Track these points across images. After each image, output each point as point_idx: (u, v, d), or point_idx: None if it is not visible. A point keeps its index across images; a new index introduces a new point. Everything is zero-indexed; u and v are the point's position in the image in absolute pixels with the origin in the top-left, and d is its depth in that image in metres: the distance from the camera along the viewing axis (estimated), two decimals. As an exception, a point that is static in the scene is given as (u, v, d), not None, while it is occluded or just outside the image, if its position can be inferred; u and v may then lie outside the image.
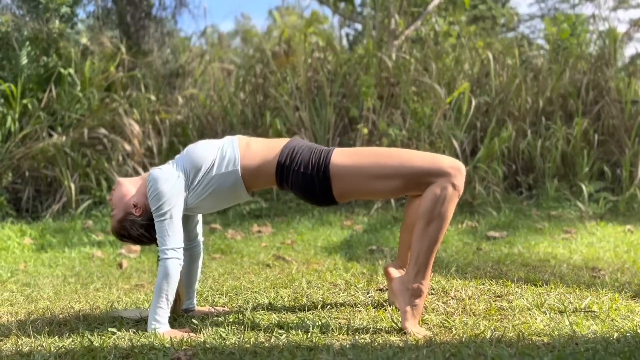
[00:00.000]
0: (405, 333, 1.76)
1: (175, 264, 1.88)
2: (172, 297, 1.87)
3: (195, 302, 2.18)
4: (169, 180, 1.91)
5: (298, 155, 1.90)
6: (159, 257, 1.91)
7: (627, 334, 1.63)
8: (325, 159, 1.86)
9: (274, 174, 1.92)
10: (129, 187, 2.04)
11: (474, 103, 5.71)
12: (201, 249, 2.18)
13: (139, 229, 2.00)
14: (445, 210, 1.77)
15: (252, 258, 3.46)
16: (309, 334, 1.77)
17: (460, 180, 1.78)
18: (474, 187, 5.32)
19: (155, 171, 1.94)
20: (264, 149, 1.95)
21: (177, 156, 2.05)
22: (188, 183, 1.94)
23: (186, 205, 1.96)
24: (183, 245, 1.92)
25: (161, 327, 1.83)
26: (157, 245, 1.97)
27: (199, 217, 2.17)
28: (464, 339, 1.65)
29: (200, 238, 2.19)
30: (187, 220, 2.10)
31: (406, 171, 1.80)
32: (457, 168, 1.79)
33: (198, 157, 1.94)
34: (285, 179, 1.91)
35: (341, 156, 1.87)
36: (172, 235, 1.89)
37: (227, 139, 2.01)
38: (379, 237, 4.01)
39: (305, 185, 1.88)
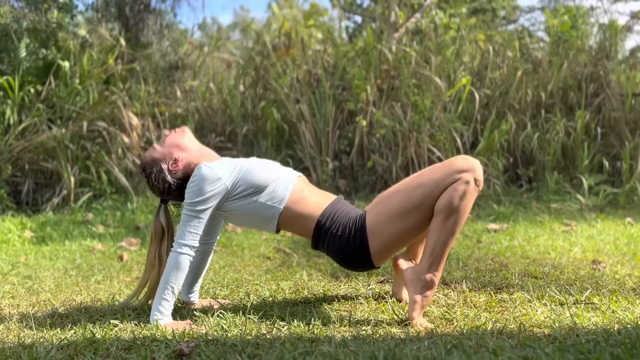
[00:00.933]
0: (408, 324, 1.76)
1: (187, 259, 1.89)
2: (177, 290, 1.88)
3: (197, 295, 2.18)
4: (214, 184, 1.89)
5: (338, 219, 1.91)
6: (172, 247, 1.91)
7: (628, 326, 1.63)
8: (362, 220, 1.88)
9: (312, 232, 1.94)
10: (188, 142, 2.03)
11: (477, 98, 5.70)
12: (214, 246, 2.19)
13: (160, 180, 2.00)
14: (465, 204, 1.77)
15: (252, 251, 3.47)
16: (311, 325, 1.77)
17: (478, 175, 1.78)
18: (474, 180, 5.32)
19: (205, 169, 1.90)
20: (311, 203, 1.95)
21: (237, 160, 2.01)
22: (231, 192, 1.93)
23: (216, 209, 1.96)
24: (198, 245, 1.92)
25: (163, 319, 1.83)
26: (162, 202, 2.03)
27: None
28: (465, 331, 1.65)
29: (217, 236, 2.19)
30: (215, 219, 2.11)
31: (430, 190, 1.80)
32: (471, 164, 1.79)
33: (255, 177, 1.93)
34: (322, 240, 1.93)
35: (371, 212, 1.89)
36: (194, 233, 1.90)
37: (289, 174, 2.00)
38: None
39: (342, 249, 1.89)
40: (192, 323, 1.85)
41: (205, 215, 1.91)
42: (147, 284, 2.04)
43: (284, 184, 1.95)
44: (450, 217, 1.76)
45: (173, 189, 2.01)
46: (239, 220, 2.03)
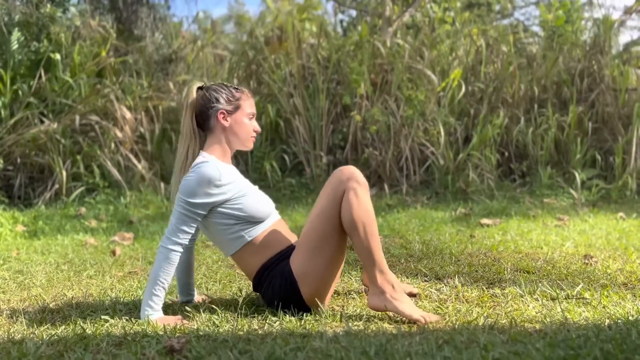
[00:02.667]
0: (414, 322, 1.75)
1: (177, 255, 1.87)
2: (167, 285, 1.86)
3: (195, 293, 2.16)
4: (218, 188, 1.87)
5: (272, 273, 1.90)
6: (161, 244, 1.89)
7: (619, 321, 1.64)
8: (289, 275, 1.86)
9: (254, 275, 1.94)
10: (238, 129, 1.99)
11: (463, 90, 5.70)
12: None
13: (208, 101, 1.96)
14: (363, 208, 1.79)
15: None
16: (302, 321, 1.77)
17: (358, 176, 1.82)
18: (467, 175, 5.33)
19: (214, 169, 1.87)
20: (267, 249, 1.93)
21: (243, 178, 2.02)
22: (224, 204, 1.90)
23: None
24: (187, 243, 1.91)
25: (154, 314, 1.82)
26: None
27: None
28: (456, 326, 1.65)
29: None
30: None
31: (328, 212, 1.83)
32: (349, 170, 1.83)
33: (255, 207, 1.92)
34: (260, 287, 1.93)
35: (294, 256, 1.88)
36: (187, 232, 1.88)
37: (274, 214, 2.01)
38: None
39: (274, 299, 1.89)
40: (182, 318, 1.84)
41: (201, 216, 1.89)
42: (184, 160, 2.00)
43: (265, 224, 1.95)
44: (360, 227, 1.78)
45: (201, 118, 1.97)
46: (203, 226, 1.97)
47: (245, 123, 1.98)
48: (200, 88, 2.01)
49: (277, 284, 1.87)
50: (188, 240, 1.89)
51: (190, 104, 1.98)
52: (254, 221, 1.91)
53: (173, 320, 1.79)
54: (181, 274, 2.10)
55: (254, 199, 1.93)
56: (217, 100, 1.95)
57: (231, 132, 1.97)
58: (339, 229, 1.83)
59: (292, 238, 2.00)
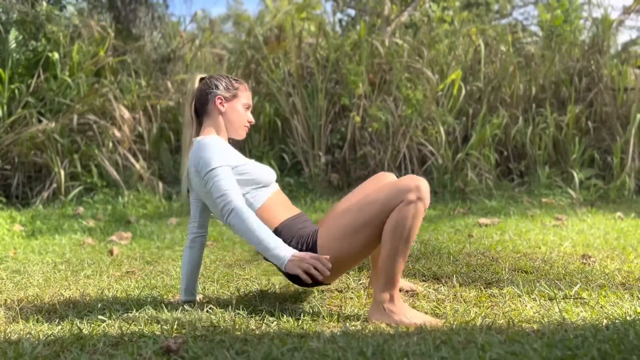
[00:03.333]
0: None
1: (247, 209, 1.84)
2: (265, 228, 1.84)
3: (197, 293, 2.16)
4: (217, 150, 1.91)
5: (293, 231, 1.90)
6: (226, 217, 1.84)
7: (616, 321, 1.63)
8: (314, 236, 1.87)
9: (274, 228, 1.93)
10: (235, 118, 2.06)
11: (464, 91, 5.70)
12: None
13: (207, 88, 2.03)
14: (412, 225, 1.75)
15: (244, 245, 3.45)
16: (300, 321, 1.77)
17: (424, 193, 1.76)
18: (466, 174, 5.33)
19: (205, 139, 1.94)
20: (276, 214, 1.95)
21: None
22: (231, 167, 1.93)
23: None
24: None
25: (286, 253, 1.78)
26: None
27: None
28: (454, 326, 1.65)
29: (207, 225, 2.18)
30: (206, 207, 2.11)
31: (377, 209, 1.79)
32: (417, 183, 1.77)
33: (260, 173, 1.96)
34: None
35: (322, 228, 1.88)
36: (234, 189, 1.86)
37: (275, 182, 2.04)
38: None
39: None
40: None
41: (229, 170, 1.89)
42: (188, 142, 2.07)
43: (270, 189, 1.98)
44: (398, 239, 1.75)
45: (200, 103, 2.04)
46: (214, 203, 1.96)
47: (240, 111, 2.06)
48: (202, 78, 2.10)
49: (297, 248, 1.86)
50: (239, 192, 1.87)
51: (192, 92, 2.07)
52: (260, 185, 1.95)
53: (307, 256, 1.77)
54: (192, 273, 2.10)
55: (258, 165, 2.00)
56: (217, 87, 2.04)
57: (226, 118, 2.04)
58: (377, 228, 1.80)
59: (292, 207, 2.04)
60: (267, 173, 1.99)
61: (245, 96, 2.08)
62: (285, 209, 1.98)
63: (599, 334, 1.44)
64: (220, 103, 2.02)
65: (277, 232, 1.91)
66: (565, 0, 7.48)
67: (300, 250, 1.86)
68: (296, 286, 2.27)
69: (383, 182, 2.02)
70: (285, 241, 1.87)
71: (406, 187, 1.77)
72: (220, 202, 1.85)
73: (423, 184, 1.78)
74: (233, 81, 2.07)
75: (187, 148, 2.07)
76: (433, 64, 5.97)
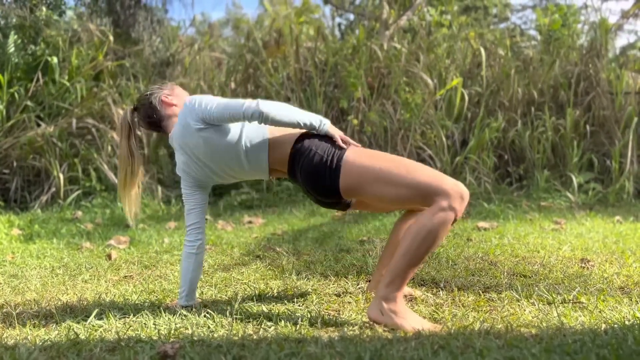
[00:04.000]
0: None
1: (263, 101, 1.90)
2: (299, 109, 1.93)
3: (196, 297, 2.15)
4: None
5: (316, 141, 1.92)
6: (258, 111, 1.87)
7: (615, 326, 1.63)
8: (340, 151, 1.88)
9: (289, 152, 1.94)
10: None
11: (466, 99, 5.70)
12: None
13: (149, 103, 2.11)
14: (438, 232, 1.72)
15: (242, 249, 3.44)
16: (298, 326, 1.76)
17: (460, 204, 1.74)
18: (464, 178, 5.33)
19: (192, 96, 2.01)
20: (290, 132, 1.99)
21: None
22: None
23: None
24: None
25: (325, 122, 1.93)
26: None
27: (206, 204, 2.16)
28: (452, 331, 1.65)
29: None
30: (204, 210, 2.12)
31: (412, 182, 1.78)
32: (459, 191, 1.75)
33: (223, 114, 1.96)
34: (298, 160, 1.91)
35: (355, 153, 1.88)
36: (242, 102, 1.91)
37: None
38: (370, 228, 4.00)
39: (316, 169, 1.87)
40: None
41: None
42: (124, 179, 2.11)
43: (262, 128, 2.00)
44: (421, 242, 1.72)
45: (152, 118, 2.10)
46: (233, 156, 1.97)
47: (187, 94, 2.15)
48: (134, 109, 2.16)
49: (323, 156, 1.88)
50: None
51: (124, 124, 2.13)
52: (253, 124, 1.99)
53: (338, 132, 1.91)
54: (196, 279, 2.09)
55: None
56: (152, 94, 2.12)
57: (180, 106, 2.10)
58: (401, 200, 1.83)
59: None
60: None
61: (179, 87, 2.18)
62: (292, 130, 2.01)
63: (597, 338, 1.43)
64: (166, 98, 2.09)
65: (296, 145, 1.93)
66: (563, 5, 7.50)
67: (324, 159, 1.88)
68: (294, 290, 2.27)
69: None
70: (309, 149, 1.90)
71: (447, 191, 1.74)
72: (247, 109, 1.87)
73: (465, 196, 1.75)
74: (161, 85, 2.17)
75: (127, 185, 2.10)
76: (432, 68, 5.98)
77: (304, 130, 1.96)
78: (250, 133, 1.96)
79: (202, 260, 2.11)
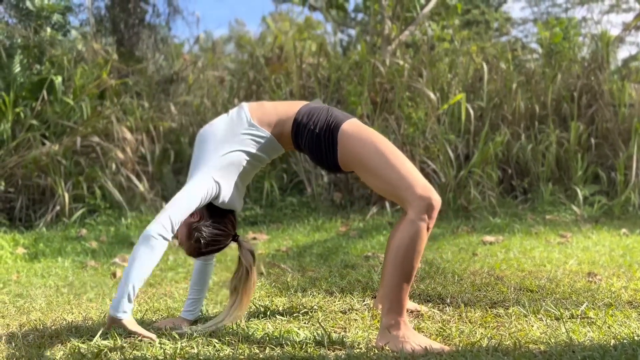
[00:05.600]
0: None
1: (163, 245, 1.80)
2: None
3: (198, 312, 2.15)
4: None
5: (315, 116, 1.92)
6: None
7: (624, 341, 1.61)
8: (336, 123, 1.89)
9: (290, 130, 1.94)
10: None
11: (471, 112, 5.71)
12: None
13: (209, 230, 1.96)
14: (415, 246, 1.71)
15: (247, 266, 3.43)
16: (304, 344, 1.75)
17: (429, 213, 1.72)
18: (469, 192, 5.32)
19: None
20: (280, 111, 1.99)
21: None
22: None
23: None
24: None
25: (129, 319, 1.80)
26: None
27: None
28: (460, 348, 1.63)
29: None
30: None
31: (386, 176, 1.79)
32: (426, 201, 1.72)
33: (207, 133, 1.97)
34: (300, 136, 1.93)
35: (352, 127, 1.88)
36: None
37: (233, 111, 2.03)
38: (374, 243, 3.99)
39: (316, 145, 1.90)
40: (154, 339, 1.81)
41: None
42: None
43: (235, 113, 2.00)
44: (403, 261, 1.71)
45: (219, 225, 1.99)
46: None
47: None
48: None
49: (317, 132, 1.89)
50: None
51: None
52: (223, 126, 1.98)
53: (146, 335, 1.81)
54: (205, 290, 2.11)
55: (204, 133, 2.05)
56: (197, 230, 1.98)
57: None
58: (378, 188, 1.85)
59: (291, 102, 2.08)
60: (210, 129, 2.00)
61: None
62: (284, 105, 2.03)
63: (607, 354, 1.42)
64: (196, 216, 1.97)
65: (296, 122, 1.93)
66: (564, 18, 7.54)
67: (320, 134, 1.89)
68: (300, 307, 2.25)
69: None
70: (309, 126, 1.91)
71: (415, 200, 1.72)
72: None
73: (434, 204, 1.73)
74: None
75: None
76: (434, 83, 6.00)
77: (300, 105, 1.99)
78: (252, 147, 1.95)
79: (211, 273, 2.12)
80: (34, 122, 5.50)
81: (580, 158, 5.62)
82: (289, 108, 1.99)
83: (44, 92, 5.61)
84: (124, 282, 1.77)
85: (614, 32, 10.88)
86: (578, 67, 6.42)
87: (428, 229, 1.73)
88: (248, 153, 1.94)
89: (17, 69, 5.62)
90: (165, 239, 1.78)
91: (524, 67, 6.78)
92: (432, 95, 5.64)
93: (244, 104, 2.03)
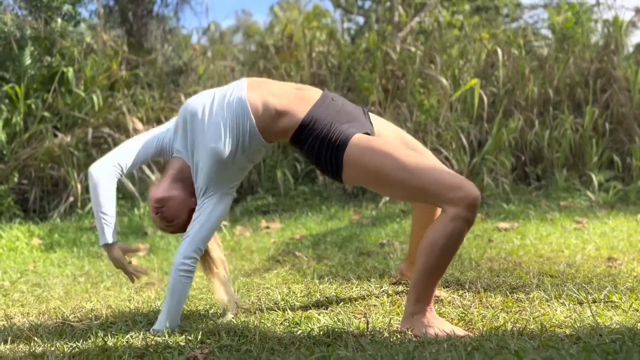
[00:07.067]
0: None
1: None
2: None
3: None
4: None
5: (322, 124, 1.78)
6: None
7: (652, 324, 1.59)
8: (345, 141, 1.74)
9: (294, 129, 1.82)
10: (175, 192, 1.94)
11: (485, 99, 5.66)
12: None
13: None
14: (454, 245, 1.63)
15: (262, 254, 3.44)
16: (325, 330, 1.74)
17: (473, 211, 1.60)
18: (482, 179, 5.28)
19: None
20: (289, 95, 1.86)
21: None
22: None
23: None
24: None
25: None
26: None
27: None
28: (484, 332, 1.61)
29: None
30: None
31: (417, 186, 1.65)
32: (472, 196, 1.60)
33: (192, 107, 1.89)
34: (302, 141, 1.82)
35: (361, 143, 1.73)
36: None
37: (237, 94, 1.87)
38: (389, 230, 3.97)
39: (319, 157, 1.80)
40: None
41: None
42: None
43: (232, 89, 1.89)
44: (435, 258, 1.63)
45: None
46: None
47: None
48: None
49: (324, 147, 1.78)
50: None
51: None
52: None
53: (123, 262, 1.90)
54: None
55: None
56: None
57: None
58: (405, 199, 1.82)
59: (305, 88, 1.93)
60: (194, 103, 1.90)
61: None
62: (299, 93, 1.87)
63: (637, 337, 1.40)
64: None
65: (304, 124, 1.81)
66: (575, 3, 7.42)
67: (327, 149, 1.77)
68: (317, 294, 2.25)
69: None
70: (315, 132, 1.78)
71: (456, 198, 1.59)
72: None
73: (476, 202, 1.59)
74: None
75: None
76: (445, 69, 5.94)
77: (315, 97, 1.86)
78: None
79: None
80: (46, 114, 5.51)
81: (595, 143, 5.55)
82: (297, 105, 1.83)
83: (55, 84, 5.62)
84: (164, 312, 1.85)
85: (627, 15, 10.72)
86: (591, 52, 6.33)
87: (469, 224, 1.62)
88: (244, 169, 1.95)
89: (27, 60, 5.62)
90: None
91: (536, 53, 6.69)
92: (445, 82, 5.59)
93: (243, 87, 1.87)
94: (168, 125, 2.00)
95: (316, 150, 1.80)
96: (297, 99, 1.85)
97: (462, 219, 1.60)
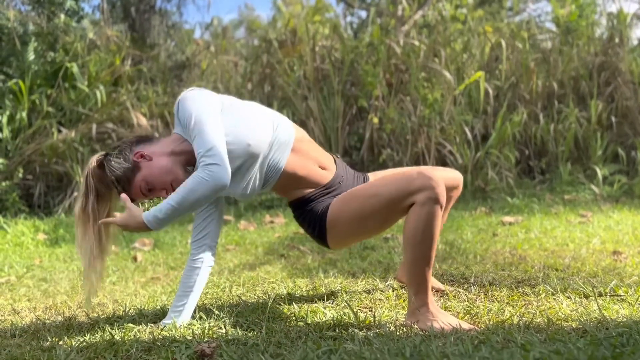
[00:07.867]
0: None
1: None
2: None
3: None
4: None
5: (309, 208, 1.86)
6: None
7: (658, 317, 1.59)
8: (324, 213, 1.83)
9: (294, 200, 1.90)
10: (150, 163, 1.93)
11: (490, 92, 5.64)
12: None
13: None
14: (431, 228, 1.66)
15: (266, 248, 3.44)
16: (332, 323, 1.74)
17: (435, 190, 1.64)
18: (486, 173, 5.28)
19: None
20: (312, 162, 1.89)
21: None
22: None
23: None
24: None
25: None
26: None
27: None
28: (490, 326, 1.62)
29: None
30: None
31: (384, 202, 1.71)
32: (429, 182, 1.65)
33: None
34: (300, 212, 1.90)
35: (334, 206, 1.82)
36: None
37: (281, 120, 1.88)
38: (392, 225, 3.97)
39: (308, 229, 1.90)
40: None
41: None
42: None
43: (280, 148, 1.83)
44: (418, 246, 1.67)
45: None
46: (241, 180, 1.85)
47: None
48: (99, 166, 1.95)
49: (308, 221, 1.87)
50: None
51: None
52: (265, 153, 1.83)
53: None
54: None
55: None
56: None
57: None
58: (382, 219, 1.77)
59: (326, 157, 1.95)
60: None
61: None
62: (316, 172, 1.90)
63: (643, 330, 1.39)
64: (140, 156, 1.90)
65: (294, 204, 1.91)
66: (579, -5, 7.37)
67: (313, 228, 1.86)
68: (323, 289, 2.25)
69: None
70: (299, 215, 1.89)
71: (418, 186, 1.65)
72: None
73: (435, 181, 1.65)
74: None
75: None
76: (449, 63, 5.92)
77: (331, 173, 1.91)
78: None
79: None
80: (50, 109, 5.52)
81: (600, 137, 5.54)
82: (314, 181, 1.88)
83: (59, 80, 5.62)
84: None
85: (632, 8, 10.64)
86: (595, 45, 6.30)
87: (438, 202, 1.65)
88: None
89: (31, 56, 5.62)
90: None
91: (539, 46, 6.66)
92: (449, 76, 5.57)
93: (288, 147, 1.84)
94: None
95: (307, 220, 1.87)
96: (320, 176, 1.90)
97: (430, 200, 1.65)
